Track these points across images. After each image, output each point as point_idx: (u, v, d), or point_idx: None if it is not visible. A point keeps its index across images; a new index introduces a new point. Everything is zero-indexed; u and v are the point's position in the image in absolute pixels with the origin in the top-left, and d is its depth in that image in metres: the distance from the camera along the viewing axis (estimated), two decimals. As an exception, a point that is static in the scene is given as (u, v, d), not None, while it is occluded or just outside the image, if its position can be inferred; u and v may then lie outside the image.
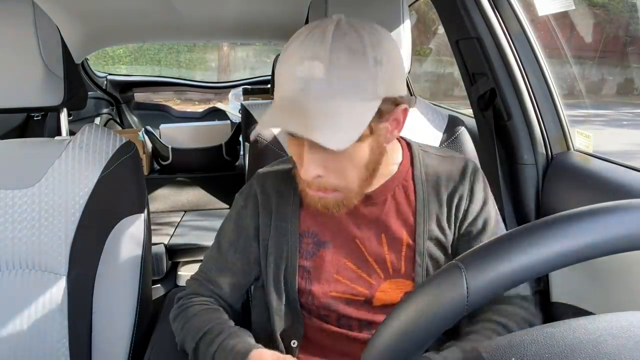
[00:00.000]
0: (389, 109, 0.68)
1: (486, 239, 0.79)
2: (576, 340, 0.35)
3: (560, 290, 1.10)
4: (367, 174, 0.71)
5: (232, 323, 0.80)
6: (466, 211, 0.79)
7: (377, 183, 0.78)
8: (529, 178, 1.25)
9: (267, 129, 0.63)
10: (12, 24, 0.92)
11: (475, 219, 0.79)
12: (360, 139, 0.65)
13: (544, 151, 1.24)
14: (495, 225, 0.81)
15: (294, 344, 0.81)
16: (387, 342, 0.37)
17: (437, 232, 0.78)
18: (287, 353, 0.81)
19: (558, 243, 0.36)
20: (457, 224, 0.79)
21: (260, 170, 0.87)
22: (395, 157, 0.81)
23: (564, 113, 1.25)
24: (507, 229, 1.09)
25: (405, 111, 0.70)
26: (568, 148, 1.24)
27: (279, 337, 0.81)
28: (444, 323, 0.37)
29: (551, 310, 1.14)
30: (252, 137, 1.00)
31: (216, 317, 0.79)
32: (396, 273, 0.78)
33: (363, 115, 0.64)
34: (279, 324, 0.81)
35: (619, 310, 0.40)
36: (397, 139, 0.83)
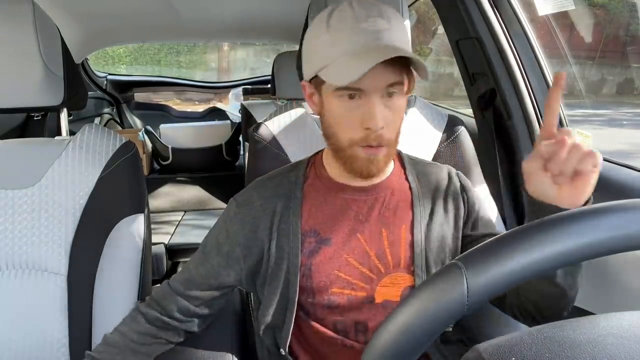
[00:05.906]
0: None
1: (489, 230, 0.85)
2: (576, 340, 0.35)
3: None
4: (399, 129, 0.78)
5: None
6: (466, 208, 0.85)
7: (377, 179, 0.83)
8: (529, 178, 1.25)
9: (357, 75, 0.67)
10: (12, 24, 0.92)
11: (474, 215, 0.86)
12: (406, 92, 0.76)
13: (544, 151, 1.24)
14: (492, 219, 0.88)
15: (282, 352, 0.81)
16: (387, 342, 0.37)
17: (435, 227, 0.82)
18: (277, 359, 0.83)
19: (558, 243, 0.36)
20: (455, 221, 0.84)
21: (259, 179, 0.88)
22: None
23: (564, 113, 1.25)
24: (507, 229, 1.09)
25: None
26: (568, 148, 1.24)
27: (263, 341, 0.84)
28: (444, 323, 0.37)
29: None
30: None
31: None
32: (396, 267, 0.80)
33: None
34: (266, 328, 0.82)
35: (619, 310, 0.40)
36: None
